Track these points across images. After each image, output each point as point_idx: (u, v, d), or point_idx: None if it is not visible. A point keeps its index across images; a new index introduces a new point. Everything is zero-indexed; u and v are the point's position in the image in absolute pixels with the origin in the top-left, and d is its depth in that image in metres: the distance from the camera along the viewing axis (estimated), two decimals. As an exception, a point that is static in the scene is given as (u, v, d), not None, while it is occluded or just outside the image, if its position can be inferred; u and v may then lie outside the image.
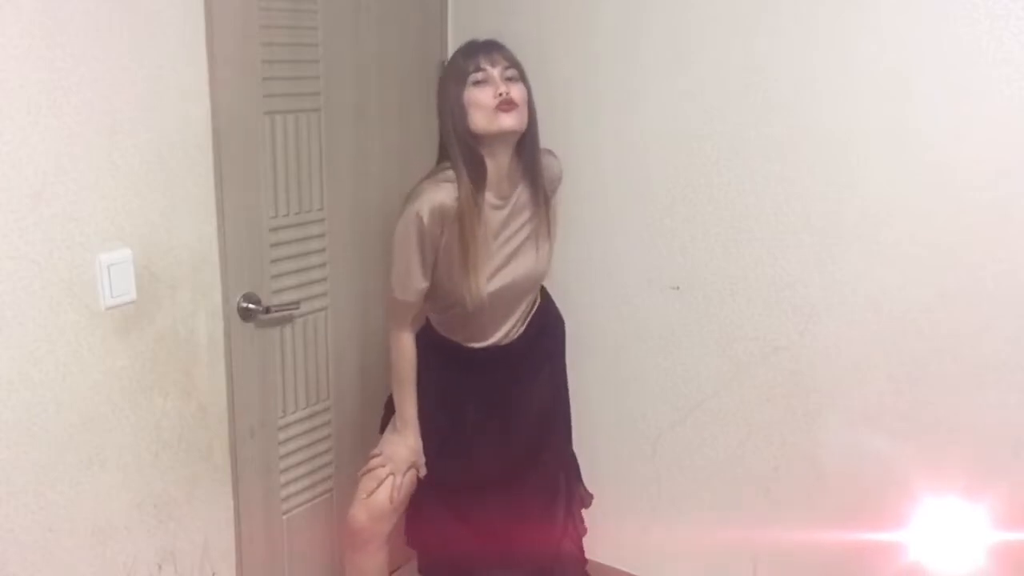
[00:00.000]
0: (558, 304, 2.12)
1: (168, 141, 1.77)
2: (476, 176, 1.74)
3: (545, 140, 1.93)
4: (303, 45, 2.04)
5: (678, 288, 2.34)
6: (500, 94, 1.71)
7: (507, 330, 1.92)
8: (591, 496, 2.18)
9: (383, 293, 2.01)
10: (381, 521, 1.95)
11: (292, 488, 2.20)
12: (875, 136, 2.02)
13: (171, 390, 1.85)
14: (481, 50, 1.75)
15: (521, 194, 1.85)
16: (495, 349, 1.92)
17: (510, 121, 1.72)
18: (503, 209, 1.82)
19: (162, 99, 1.74)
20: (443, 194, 1.73)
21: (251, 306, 1.99)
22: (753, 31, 2.11)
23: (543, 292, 2.03)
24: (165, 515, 1.88)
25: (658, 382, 2.42)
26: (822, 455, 2.21)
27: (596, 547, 2.39)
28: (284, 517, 2.19)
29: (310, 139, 2.10)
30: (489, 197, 1.79)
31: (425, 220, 1.73)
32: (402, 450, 1.93)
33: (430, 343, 1.94)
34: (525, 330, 1.95)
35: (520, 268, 1.86)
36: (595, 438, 2.48)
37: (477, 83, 1.73)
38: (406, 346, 1.91)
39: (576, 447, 2.18)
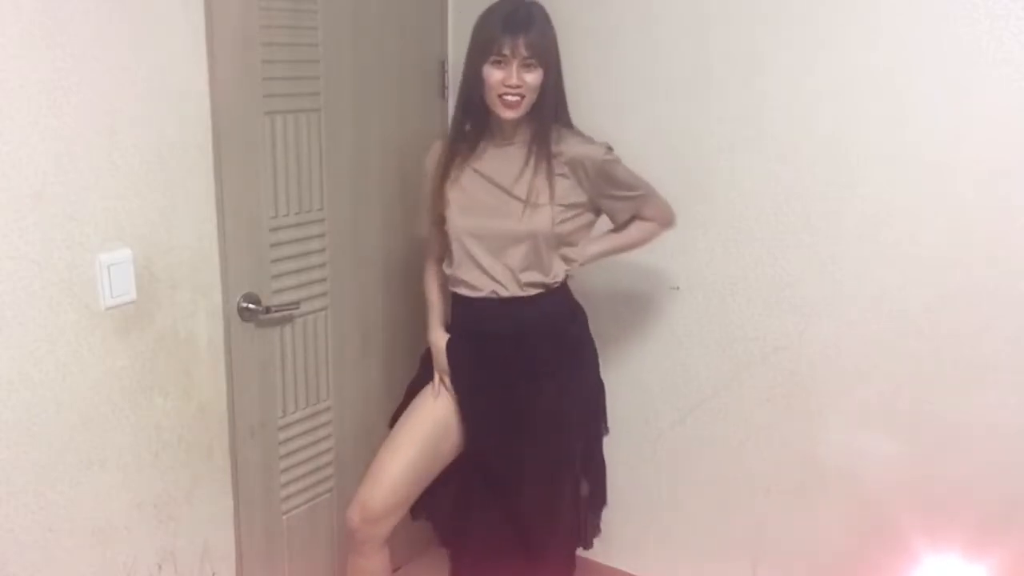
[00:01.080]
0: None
1: (168, 141, 1.77)
2: (473, 128, 1.91)
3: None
4: (303, 45, 2.03)
5: (678, 288, 2.34)
6: (508, 86, 1.79)
7: (498, 279, 1.90)
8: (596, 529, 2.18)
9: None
10: (376, 524, 1.93)
11: (292, 488, 2.20)
12: (875, 136, 2.02)
13: (171, 390, 1.85)
14: (508, 29, 1.78)
15: (520, 150, 1.90)
16: (494, 302, 1.92)
17: (508, 114, 1.83)
18: (501, 156, 1.91)
19: (162, 99, 1.74)
20: (439, 143, 2.01)
21: (251, 306, 1.99)
22: (753, 31, 2.11)
23: (569, 300, 2.02)
24: (165, 515, 1.88)
25: (658, 382, 2.42)
26: (822, 455, 2.21)
27: (596, 547, 2.39)
28: (284, 517, 2.19)
29: (310, 139, 2.10)
30: (495, 143, 1.92)
31: (426, 164, 2.01)
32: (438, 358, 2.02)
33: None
34: (529, 305, 1.93)
35: (499, 216, 1.88)
36: (595, 438, 2.48)
37: (495, 63, 1.80)
38: (429, 275, 2.10)
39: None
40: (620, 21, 2.28)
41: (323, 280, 2.19)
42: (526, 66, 1.79)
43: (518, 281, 1.90)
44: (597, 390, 2.10)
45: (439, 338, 2.02)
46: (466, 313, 1.98)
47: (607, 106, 2.31)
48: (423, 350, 2.11)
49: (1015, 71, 1.86)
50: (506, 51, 1.78)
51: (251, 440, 2.06)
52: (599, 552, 2.48)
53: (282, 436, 2.15)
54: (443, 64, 2.49)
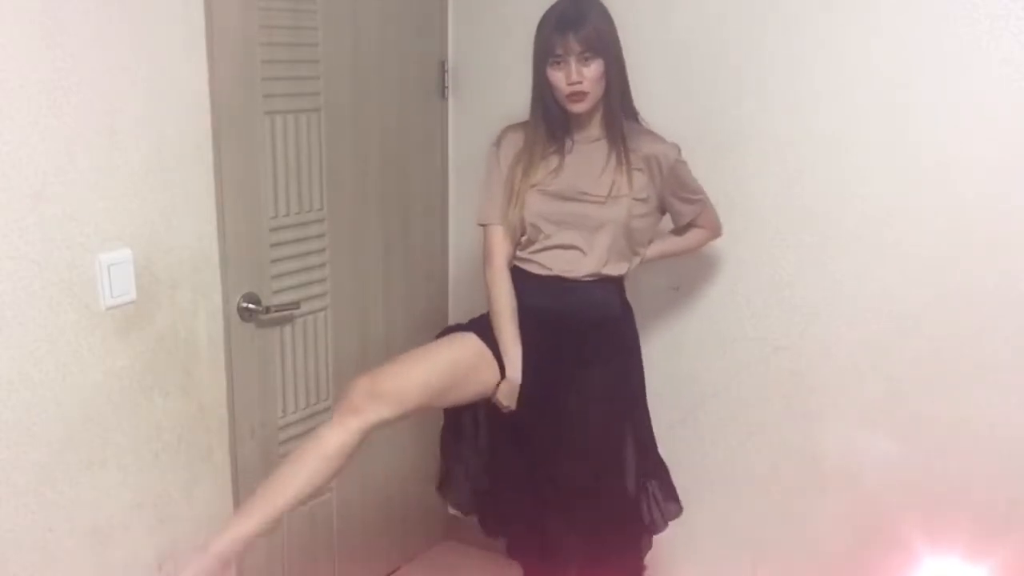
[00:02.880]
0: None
1: (168, 141, 1.77)
2: (552, 126, 1.90)
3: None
4: (303, 45, 2.04)
5: (678, 288, 2.34)
6: (571, 83, 1.81)
7: (569, 261, 1.90)
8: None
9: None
10: (373, 400, 1.76)
11: (292, 488, 2.20)
12: (875, 136, 2.02)
13: (171, 390, 1.85)
14: (559, 29, 1.80)
15: (600, 144, 1.91)
16: (563, 281, 1.90)
17: (576, 107, 1.84)
18: (583, 150, 1.91)
19: (162, 99, 1.74)
20: (513, 131, 1.96)
21: (251, 306, 1.99)
22: (753, 30, 2.11)
23: (620, 293, 2.00)
24: (165, 515, 1.88)
25: (658, 382, 2.42)
26: (822, 455, 2.21)
27: (596, 547, 2.38)
28: (284, 517, 2.19)
29: (310, 139, 2.10)
30: (578, 138, 1.92)
31: (501, 152, 1.95)
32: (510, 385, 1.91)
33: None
34: (597, 289, 1.92)
35: (583, 204, 1.88)
36: (595, 438, 2.48)
37: (554, 64, 1.82)
38: (501, 277, 1.93)
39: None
40: (618, 23, 2.28)
41: (323, 280, 2.19)
42: (583, 60, 1.80)
43: (596, 266, 1.90)
44: (642, 380, 2.07)
45: (518, 358, 1.89)
46: (526, 287, 1.93)
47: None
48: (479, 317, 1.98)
49: (1015, 71, 1.86)
50: (559, 51, 1.80)
51: (251, 440, 2.06)
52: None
53: (282, 436, 2.15)
54: (443, 64, 2.50)
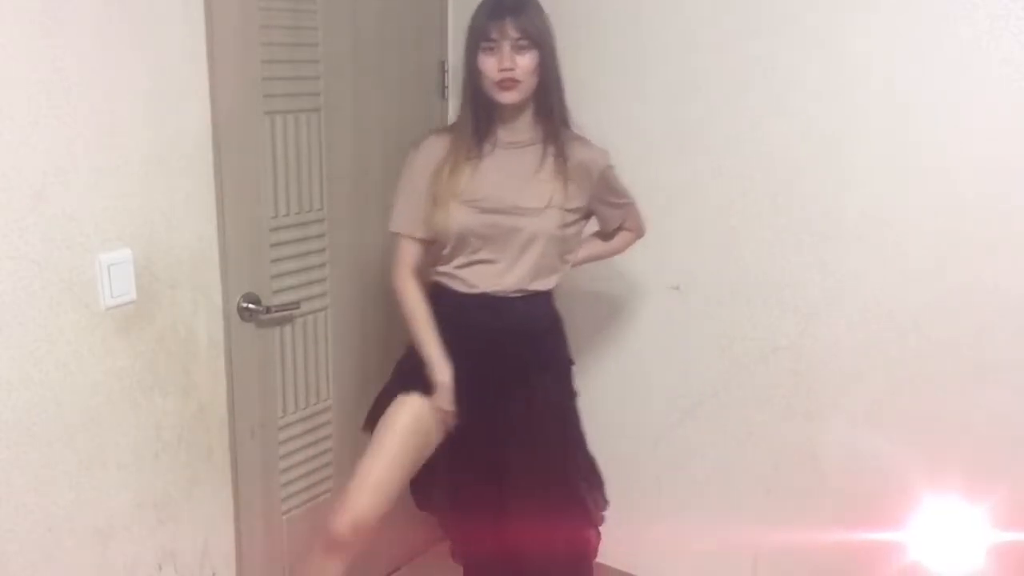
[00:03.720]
0: (558, 303, 2.11)
1: (168, 141, 1.77)
2: (479, 123, 1.84)
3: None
4: (303, 45, 2.03)
5: (678, 288, 2.34)
6: (503, 69, 1.75)
7: (495, 277, 1.86)
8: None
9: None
10: (367, 532, 1.89)
11: (292, 488, 2.20)
12: (875, 136, 2.02)
13: (171, 390, 1.85)
14: (495, 15, 1.76)
15: (532, 150, 1.86)
16: (490, 299, 1.87)
17: (507, 98, 1.78)
18: (512, 156, 1.85)
19: (162, 99, 1.74)
20: (437, 135, 1.91)
21: (251, 306, 1.99)
22: (753, 30, 2.11)
23: (551, 306, 1.98)
24: (165, 515, 1.88)
25: (658, 382, 2.42)
26: (822, 455, 2.21)
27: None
28: (284, 517, 2.19)
29: (310, 139, 2.10)
30: (503, 143, 1.86)
31: (418, 159, 1.89)
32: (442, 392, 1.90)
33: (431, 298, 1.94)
34: (524, 305, 1.90)
35: (512, 216, 1.82)
36: (595, 438, 2.48)
37: (487, 50, 1.77)
38: (409, 284, 1.93)
39: (576, 447, 2.17)
40: (618, 24, 2.28)
41: (323, 280, 2.19)
42: (518, 48, 1.75)
43: (523, 282, 1.87)
44: (568, 405, 2.06)
45: (442, 359, 1.88)
46: (454, 306, 1.90)
47: (606, 108, 2.31)
48: (402, 359, 2.01)
49: (1015, 71, 1.86)
50: (494, 35, 1.75)
51: (251, 440, 2.06)
52: (599, 551, 2.48)
53: (282, 436, 2.15)
54: (443, 64, 2.49)
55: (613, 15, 2.29)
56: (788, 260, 2.17)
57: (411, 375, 1.94)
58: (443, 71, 2.49)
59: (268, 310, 2.02)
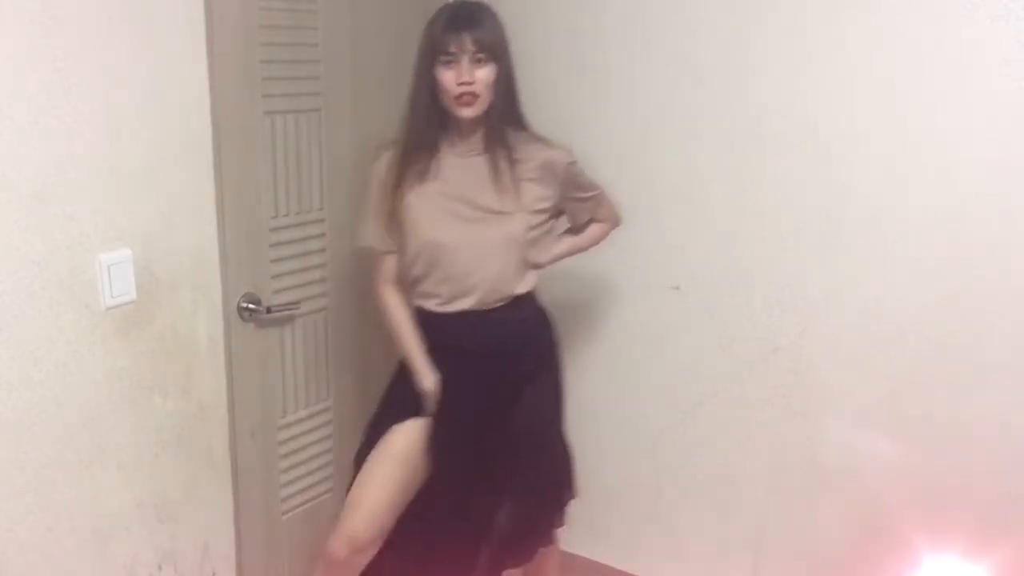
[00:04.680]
0: (559, 303, 2.11)
1: (168, 141, 1.77)
2: (431, 134, 1.83)
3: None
4: (303, 45, 2.04)
5: (678, 288, 2.34)
6: (462, 83, 1.74)
7: (474, 290, 1.85)
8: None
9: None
10: (363, 553, 1.90)
11: (292, 488, 2.20)
12: (875, 136, 2.02)
13: (171, 390, 1.85)
14: (453, 27, 1.75)
15: (484, 156, 1.84)
16: (469, 315, 1.87)
17: (465, 112, 1.78)
18: (465, 164, 1.84)
19: (162, 99, 1.74)
20: (389, 149, 1.89)
21: (251, 306, 1.99)
22: (753, 30, 2.11)
23: (539, 305, 1.98)
24: (165, 515, 1.88)
25: (658, 382, 2.42)
26: (822, 455, 2.21)
27: (596, 546, 2.39)
28: (284, 517, 2.19)
29: (310, 139, 2.10)
30: (456, 152, 1.85)
31: (375, 173, 1.89)
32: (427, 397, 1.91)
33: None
34: (507, 312, 1.90)
35: (473, 225, 1.82)
36: (595, 438, 2.49)
37: (445, 63, 1.76)
38: (391, 297, 1.95)
39: (576, 447, 2.17)
40: (618, 22, 2.28)
41: (323, 280, 2.19)
42: (477, 62, 1.75)
43: (495, 291, 1.86)
44: (563, 391, 2.07)
45: (425, 367, 1.91)
46: (438, 328, 1.91)
47: (606, 107, 2.32)
48: (389, 385, 2.02)
49: (1015, 71, 1.86)
50: (453, 48, 1.74)
51: (251, 440, 2.06)
52: (599, 551, 2.49)
53: (282, 436, 2.15)
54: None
55: (610, 14, 2.29)
56: (788, 260, 2.17)
57: (400, 403, 1.95)
58: (443, 71, 2.49)
59: (268, 310, 2.02)
